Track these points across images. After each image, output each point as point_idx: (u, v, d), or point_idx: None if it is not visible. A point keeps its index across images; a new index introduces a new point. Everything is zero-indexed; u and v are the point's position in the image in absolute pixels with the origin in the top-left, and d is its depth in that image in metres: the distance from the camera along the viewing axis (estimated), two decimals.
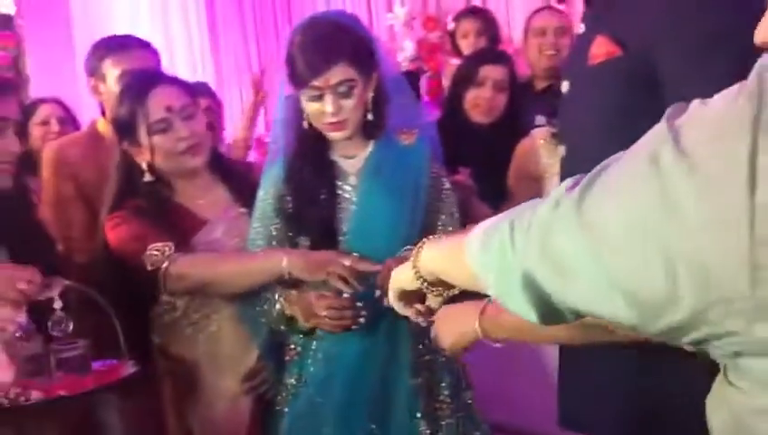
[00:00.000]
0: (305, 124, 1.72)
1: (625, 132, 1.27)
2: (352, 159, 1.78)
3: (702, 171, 0.61)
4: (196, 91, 2.08)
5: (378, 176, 1.76)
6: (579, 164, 1.40)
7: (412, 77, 2.53)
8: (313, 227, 1.72)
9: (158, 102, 1.81)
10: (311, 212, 1.72)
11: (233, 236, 1.88)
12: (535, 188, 2.38)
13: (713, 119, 0.64)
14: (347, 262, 1.64)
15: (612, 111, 1.31)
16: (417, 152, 1.82)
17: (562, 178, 1.52)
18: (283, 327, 1.75)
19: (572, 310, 0.74)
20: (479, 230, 0.85)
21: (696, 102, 0.69)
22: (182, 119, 1.82)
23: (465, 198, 2.21)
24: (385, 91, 1.77)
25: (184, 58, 5.32)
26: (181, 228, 1.84)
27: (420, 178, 1.80)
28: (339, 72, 1.64)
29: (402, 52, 4.19)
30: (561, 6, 3.29)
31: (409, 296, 1.11)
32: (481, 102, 2.43)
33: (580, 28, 1.46)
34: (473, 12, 3.56)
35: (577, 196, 0.71)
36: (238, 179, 1.95)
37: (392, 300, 1.12)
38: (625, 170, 0.69)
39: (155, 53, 2.36)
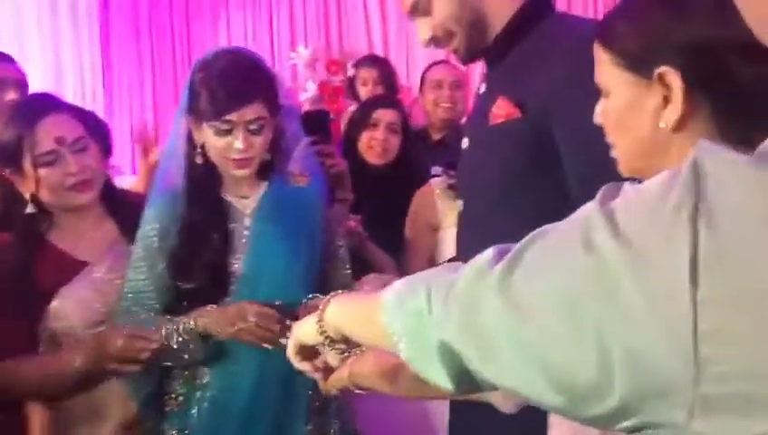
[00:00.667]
0: (199, 159, 1.66)
1: (522, 192, 1.34)
2: (246, 200, 1.73)
3: (642, 261, 0.60)
4: (91, 121, 1.97)
5: (274, 217, 1.70)
6: (476, 220, 1.46)
7: (323, 117, 2.51)
8: (202, 271, 1.63)
9: (48, 133, 1.69)
10: (201, 255, 1.63)
11: (116, 275, 1.77)
12: (432, 237, 2.42)
13: (650, 206, 0.64)
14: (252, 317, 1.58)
15: (510, 170, 1.35)
16: (313, 195, 1.80)
17: (459, 234, 1.57)
18: (191, 347, 1.62)
19: (492, 384, 0.72)
20: (393, 291, 0.83)
21: (628, 186, 0.69)
22: (73, 152, 1.71)
23: (357, 244, 2.22)
24: (286, 131, 1.75)
25: (73, 85, 5.12)
26: (48, 274, 1.71)
27: (316, 222, 1.77)
28: (254, 109, 1.61)
29: (304, 92, 4.19)
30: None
31: (308, 351, 1.07)
32: (375, 144, 2.49)
33: (481, 88, 1.49)
34: (372, 60, 3.63)
35: (503, 270, 0.69)
36: (129, 213, 1.84)
37: (290, 353, 1.08)
38: (555, 249, 0.68)
39: (18, 69, 2.26)
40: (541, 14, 1.40)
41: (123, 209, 1.84)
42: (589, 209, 0.68)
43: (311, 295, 1.62)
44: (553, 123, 1.28)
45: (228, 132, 1.60)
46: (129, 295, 1.67)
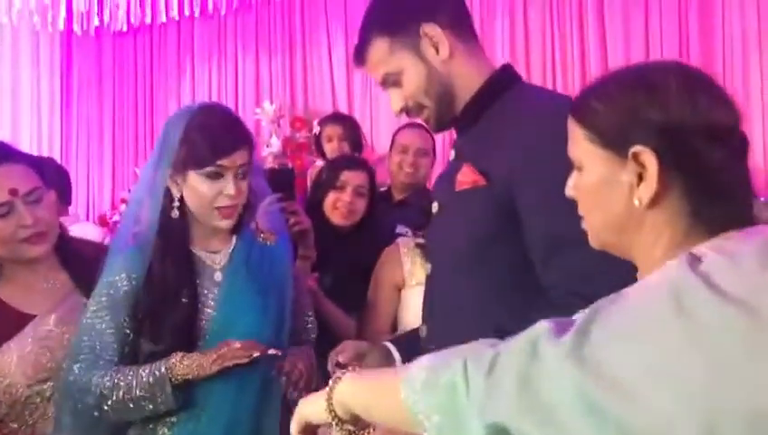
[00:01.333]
0: (175, 213, 1.63)
1: (487, 258, 1.35)
2: (216, 254, 1.70)
3: (759, 321, 0.61)
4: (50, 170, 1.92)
5: (245, 273, 1.68)
6: (443, 284, 1.47)
7: (288, 174, 2.50)
8: (170, 329, 1.59)
9: (2, 184, 1.65)
10: (170, 313, 1.59)
11: (67, 328, 1.70)
12: (396, 297, 2.40)
13: (753, 272, 0.66)
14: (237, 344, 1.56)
15: (475, 235, 1.37)
16: (281, 252, 1.79)
17: (426, 297, 1.58)
18: (158, 396, 1.55)
19: None
20: (419, 368, 0.82)
21: (713, 252, 0.72)
22: (27, 203, 1.66)
23: (314, 303, 2.20)
24: (255, 185, 1.76)
25: (29, 129, 5.04)
26: None
27: (286, 279, 1.76)
28: (243, 154, 1.63)
29: (268, 148, 4.19)
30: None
31: (313, 428, 1.03)
32: (340, 206, 2.45)
33: (451, 154, 1.52)
34: (337, 117, 3.66)
35: (571, 344, 0.69)
36: (83, 265, 1.78)
37: (293, 430, 1.03)
38: (638, 314, 0.68)
39: None
40: (506, 85, 1.43)
41: (77, 260, 1.79)
42: (676, 269, 0.69)
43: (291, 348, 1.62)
44: (516, 193, 1.31)
45: (219, 178, 1.60)
46: (86, 344, 1.61)
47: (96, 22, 4.81)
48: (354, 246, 2.45)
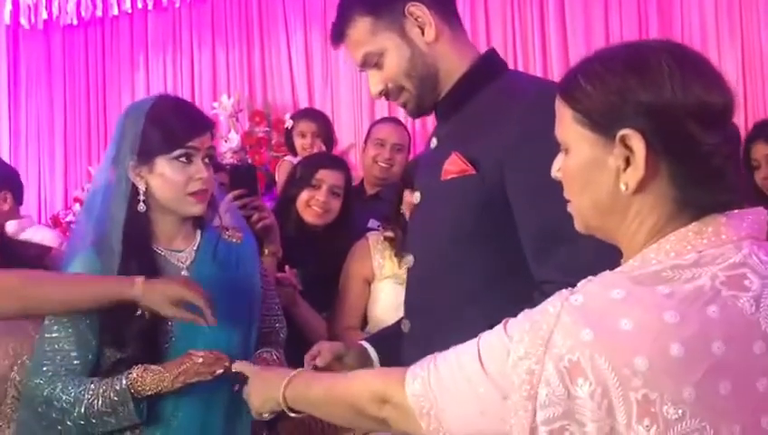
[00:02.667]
0: (142, 207, 1.56)
1: (474, 248, 1.32)
2: (181, 253, 1.64)
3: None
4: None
5: (212, 272, 1.63)
6: (427, 276, 1.43)
7: (250, 171, 2.44)
8: (134, 334, 1.52)
9: None
10: (134, 317, 1.51)
11: (9, 337, 1.62)
12: (365, 291, 2.38)
13: None
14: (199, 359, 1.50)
15: (462, 225, 1.33)
16: (248, 250, 1.75)
17: (409, 290, 1.54)
18: (120, 410, 1.48)
19: None
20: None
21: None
22: None
23: (288, 296, 2.15)
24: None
25: None
26: None
27: (255, 278, 1.72)
28: (209, 138, 1.62)
29: (227, 143, 4.10)
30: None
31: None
32: (315, 204, 2.40)
33: (432, 142, 1.47)
34: (311, 113, 3.61)
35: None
36: (29, 267, 1.70)
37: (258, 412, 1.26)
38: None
39: None
40: (493, 72, 1.40)
41: (17, 263, 1.70)
42: None
43: (264, 350, 1.59)
44: (506, 181, 1.28)
45: (189, 162, 1.56)
46: (47, 354, 1.53)
47: (44, 15, 4.65)
48: (327, 245, 2.41)
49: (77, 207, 4.34)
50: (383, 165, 2.96)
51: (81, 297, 1.48)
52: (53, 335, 1.53)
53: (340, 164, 2.53)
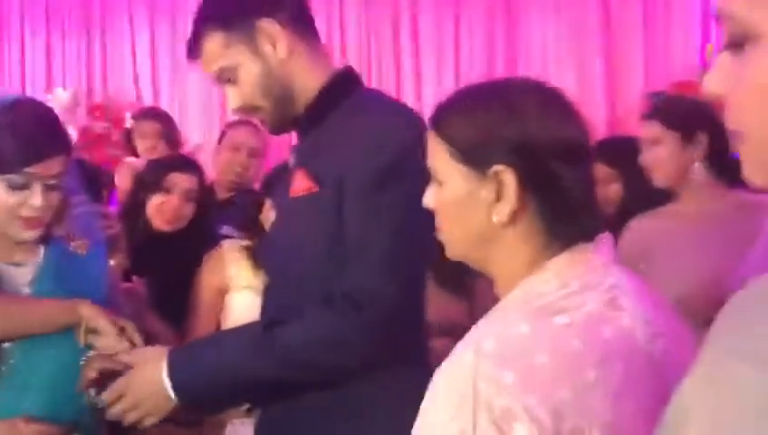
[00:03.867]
0: None
1: (322, 263, 1.33)
2: (22, 268, 1.50)
3: None
4: None
5: (56, 286, 1.50)
6: (280, 296, 1.41)
7: (95, 174, 2.27)
8: None
9: None
10: None
11: None
12: (219, 301, 2.29)
13: None
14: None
15: (310, 243, 1.35)
16: (95, 263, 1.64)
17: (265, 306, 1.51)
18: None
19: None
20: None
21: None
22: None
23: (137, 307, 2.03)
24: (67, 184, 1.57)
25: None
26: None
27: (102, 292, 1.60)
28: (57, 162, 1.43)
29: None
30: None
31: None
32: (166, 209, 2.27)
33: (291, 159, 1.47)
34: (153, 113, 3.43)
35: None
36: None
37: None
38: None
39: None
40: (346, 91, 1.40)
41: None
42: None
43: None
44: (343, 196, 1.30)
45: (24, 187, 1.41)
46: None
47: None
48: (179, 252, 2.28)
49: None
50: (238, 170, 2.86)
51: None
52: None
53: (192, 167, 2.40)
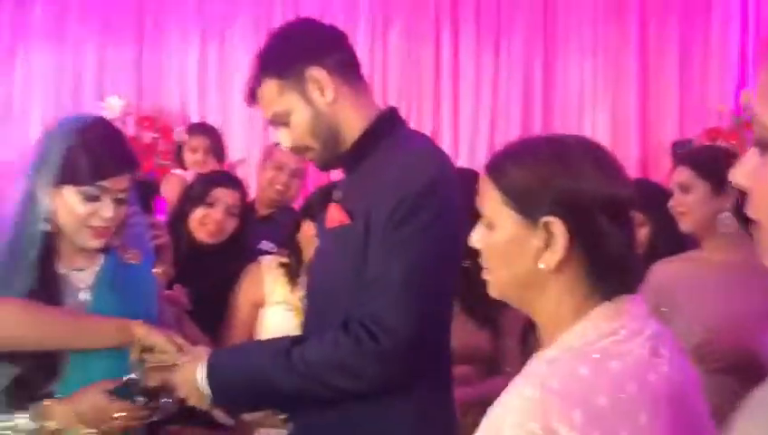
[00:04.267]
0: (44, 226, 1.51)
1: (351, 294, 1.39)
2: (82, 273, 1.60)
3: None
4: None
5: (112, 292, 1.60)
6: (319, 315, 1.50)
7: (147, 186, 2.38)
8: (29, 355, 1.48)
9: None
10: None
11: None
12: (254, 314, 2.38)
13: None
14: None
15: (339, 272, 1.44)
16: (147, 273, 1.74)
17: (304, 327, 1.62)
18: None
19: None
20: None
21: None
22: None
23: (177, 314, 2.12)
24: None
25: None
26: None
27: (153, 300, 1.71)
28: (127, 179, 1.56)
29: None
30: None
31: None
32: (209, 223, 2.37)
33: (334, 193, 1.56)
34: (204, 128, 3.56)
35: None
36: None
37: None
38: None
39: None
40: (387, 131, 1.49)
41: None
42: None
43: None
44: (369, 232, 1.39)
45: (96, 199, 1.52)
46: None
47: None
48: (219, 264, 2.38)
49: None
50: (279, 188, 2.95)
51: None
52: None
53: (236, 183, 2.52)
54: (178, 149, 3.44)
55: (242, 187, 2.52)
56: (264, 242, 2.64)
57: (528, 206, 0.96)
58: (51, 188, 1.51)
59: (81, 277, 1.60)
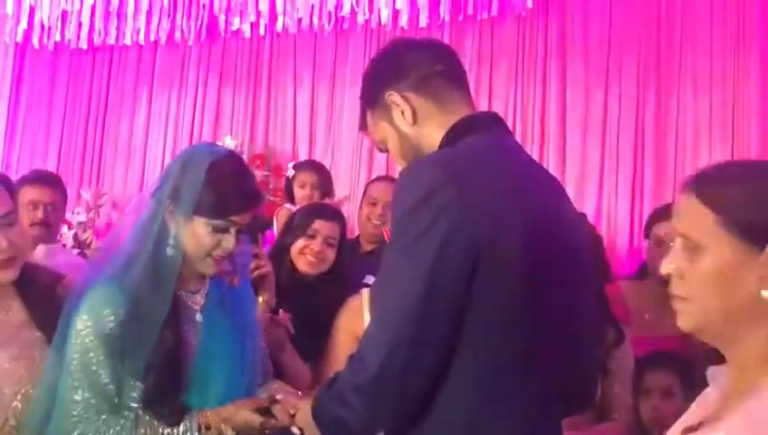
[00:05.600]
0: (171, 251, 1.58)
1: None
2: (195, 295, 1.67)
3: None
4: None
5: (221, 313, 1.68)
6: None
7: (259, 222, 2.47)
8: (155, 368, 1.53)
9: None
10: (157, 351, 1.53)
11: (20, 363, 1.61)
12: (354, 345, 2.35)
13: None
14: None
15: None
16: (246, 292, 1.80)
17: None
18: None
19: None
20: None
21: None
22: (1, 227, 1.59)
23: (280, 339, 2.16)
24: None
25: None
26: None
27: (253, 319, 1.78)
28: (250, 214, 1.64)
29: None
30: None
31: None
32: (309, 253, 2.42)
33: None
34: (313, 165, 3.68)
35: None
36: (41, 294, 1.70)
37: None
38: None
39: None
40: (451, 141, 1.42)
41: (32, 288, 1.69)
42: None
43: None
44: None
45: (224, 231, 1.59)
46: (80, 401, 1.52)
47: (57, 37, 4.68)
48: (317, 295, 2.41)
49: (66, 230, 4.31)
50: (375, 222, 3.01)
51: None
52: (86, 373, 1.51)
53: (336, 216, 2.56)
54: (288, 183, 3.54)
55: (342, 219, 2.56)
56: (368, 276, 2.65)
57: (753, 232, 0.88)
58: (183, 217, 1.57)
59: (195, 299, 1.66)
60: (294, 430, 1.49)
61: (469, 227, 1.22)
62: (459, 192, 1.24)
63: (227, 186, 1.57)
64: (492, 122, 1.46)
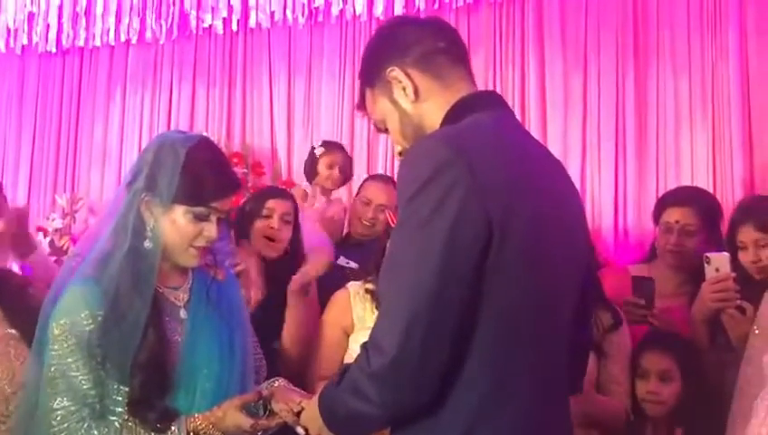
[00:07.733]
0: (148, 243, 1.51)
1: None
2: (177, 291, 1.61)
3: None
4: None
5: (206, 308, 1.64)
6: None
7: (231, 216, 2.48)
8: (139, 370, 1.48)
9: None
10: (140, 353, 1.48)
11: None
12: (344, 342, 2.34)
13: None
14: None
15: None
16: (232, 286, 1.77)
17: None
18: None
19: None
20: None
21: None
22: None
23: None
24: None
25: None
26: None
27: (242, 313, 1.76)
28: (231, 200, 1.60)
29: None
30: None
31: None
32: (269, 233, 2.49)
33: None
34: (342, 147, 3.55)
35: None
36: (13, 293, 1.71)
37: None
38: None
39: None
40: (454, 119, 1.37)
41: (6, 288, 1.72)
42: None
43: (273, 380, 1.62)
44: None
45: (205, 219, 1.54)
46: (61, 406, 1.46)
47: (24, 41, 4.59)
48: (280, 273, 2.47)
49: (40, 236, 4.22)
50: (366, 223, 3.02)
51: None
52: (65, 377, 1.46)
53: (287, 194, 2.67)
54: (313, 161, 3.38)
55: (292, 198, 2.64)
56: (341, 258, 2.75)
57: None
58: (160, 206, 1.50)
59: (177, 295, 1.61)
60: (299, 429, 1.45)
61: (481, 203, 1.18)
62: (468, 168, 1.20)
63: (206, 172, 1.52)
64: (494, 101, 1.44)
